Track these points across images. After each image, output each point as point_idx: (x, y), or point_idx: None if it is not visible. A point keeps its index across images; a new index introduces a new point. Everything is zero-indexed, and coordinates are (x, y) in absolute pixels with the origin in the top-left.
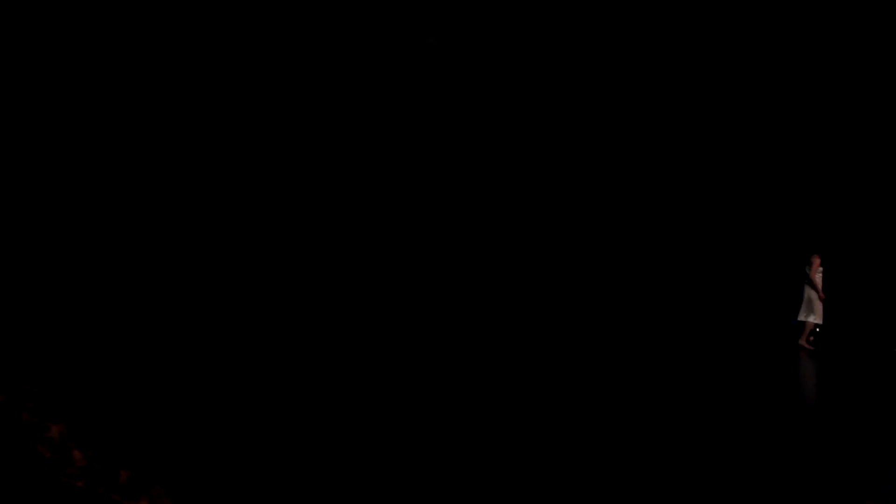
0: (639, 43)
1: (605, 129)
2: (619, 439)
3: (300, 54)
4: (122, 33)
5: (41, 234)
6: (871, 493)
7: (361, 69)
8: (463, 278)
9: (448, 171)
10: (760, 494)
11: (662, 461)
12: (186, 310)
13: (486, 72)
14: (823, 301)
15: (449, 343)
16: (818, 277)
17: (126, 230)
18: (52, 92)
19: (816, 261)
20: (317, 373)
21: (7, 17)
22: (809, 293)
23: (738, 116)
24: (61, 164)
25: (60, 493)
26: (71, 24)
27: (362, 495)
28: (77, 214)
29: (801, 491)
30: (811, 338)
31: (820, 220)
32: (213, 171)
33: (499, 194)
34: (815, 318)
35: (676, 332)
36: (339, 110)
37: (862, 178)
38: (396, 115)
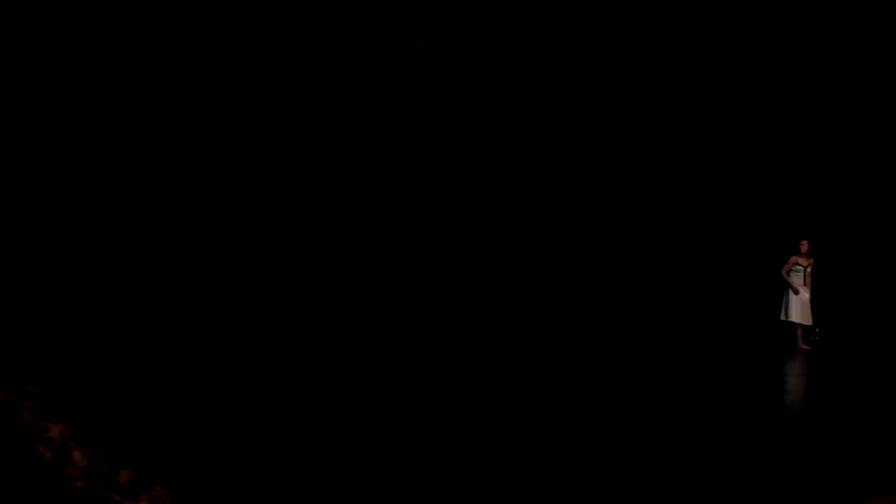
0: (638, 42)
1: (604, 129)
2: (616, 439)
3: (288, 54)
4: (118, 33)
5: (41, 234)
6: (871, 493)
7: (351, 69)
8: (456, 280)
9: (443, 174)
10: (759, 494)
11: (659, 461)
12: (186, 310)
13: (481, 73)
14: (799, 298)
15: (447, 343)
16: (793, 276)
17: (126, 230)
18: (52, 92)
19: (792, 259)
20: (317, 373)
21: (7, 17)
22: (788, 292)
23: (737, 116)
24: (61, 164)
25: (60, 493)
26: (71, 24)
27: (362, 495)
28: (77, 214)
29: (800, 490)
30: (815, 338)
31: (819, 220)
32: (207, 170)
33: (492, 196)
34: (797, 318)
35: (674, 333)
36: (329, 111)
37: (861, 178)
38: (388, 117)
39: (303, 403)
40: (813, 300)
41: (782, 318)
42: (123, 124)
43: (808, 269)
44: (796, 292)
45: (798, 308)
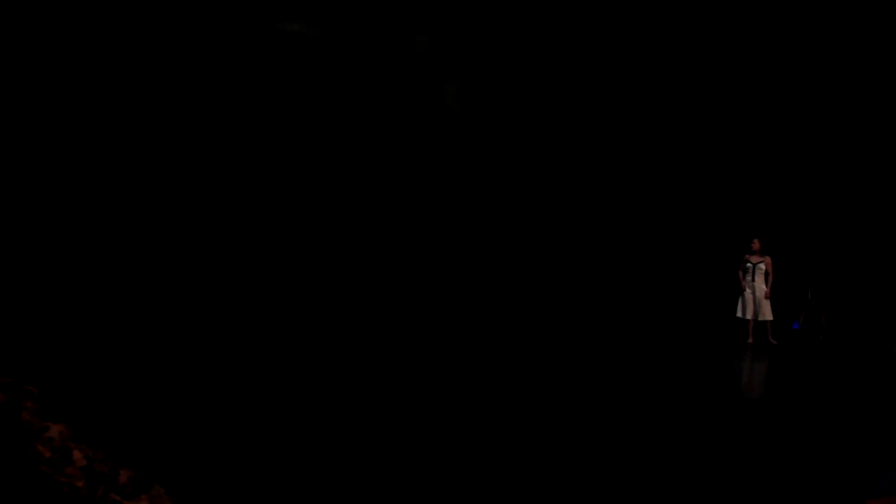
0: (637, 42)
1: (602, 129)
2: (618, 439)
3: (282, 55)
4: (118, 33)
5: (41, 235)
6: (871, 493)
7: (347, 70)
8: (440, 281)
9: (438, 174)
10: (759, 494)
11: (658, 461)
12: (186, 310)
13: (478, 73)
14: (744, 295)
15: (442, 343)
16: (746, 274)
17: (125, 231)
18: (51, 92)
19: (745, 257)
20: (317, 373)
21: (7, 17)
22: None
23: (737, 116)
24: (61, 164)
25: (60, 493)
26: (69, 24)
27: (362, 495)
28: (77, 215)
29: (800, 490)
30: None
31: (819, 220)
32: (204, 170)
33: (484, 196)
34: (738, 313)
35: (672, 331)
36: (325, 112)
37: (862, 178)
38: (384, 118)
39: (302, 403)
40: (773, 296)
41: (743, 316)
42: (121, 124)
43: (760, 266)
44: (742, 289)
45: (741, 304)
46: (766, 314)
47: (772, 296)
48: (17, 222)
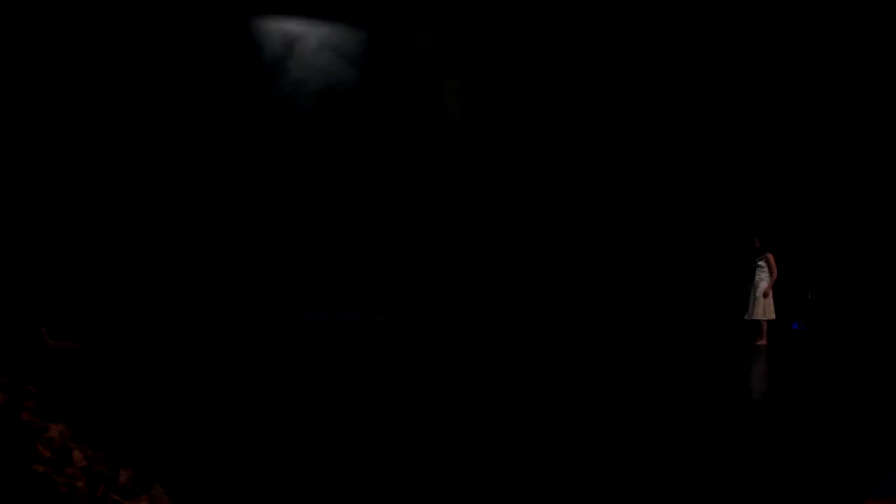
0: (638, 43)
1: (602, 129)
2: (616, 438)
3: (282, 55)
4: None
5: (41, 236)
6: (870, 493)
7: (347, 70)
8: (443, 279)
9: (439, 174)
10: (758, 494)
11: (659, 461)
12: (185, 311)
13: (477, 73)
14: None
15: (442, 343)
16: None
17: (126, 233)
18: (49, 91)
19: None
20: (317, 373)
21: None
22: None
23: (737, 116)
24: (61, 166)
25: (60, 493)
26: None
27: (362, 495)
28: (77, 217)
29: (799, 490)
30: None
31: (820, 220)
32: (208, 172)
33: (484, 197)
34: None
35: (672, 330)
36: (328, 112)
37: (862, 178)
38: (386, 117)
39: (302, 404)
40: (776, 295)
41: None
42: (121, 127)
43: (760, 264)
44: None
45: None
46: (759, 313)
47: (772, 295)
48: (18, 223)
